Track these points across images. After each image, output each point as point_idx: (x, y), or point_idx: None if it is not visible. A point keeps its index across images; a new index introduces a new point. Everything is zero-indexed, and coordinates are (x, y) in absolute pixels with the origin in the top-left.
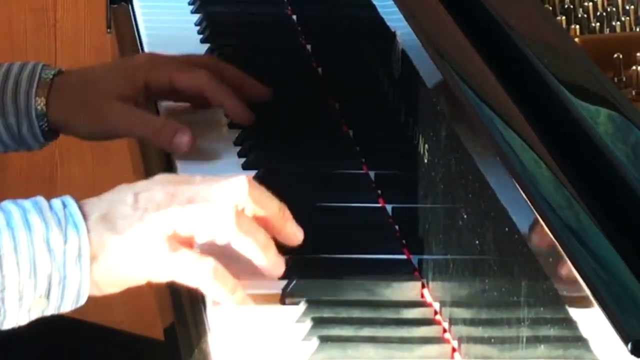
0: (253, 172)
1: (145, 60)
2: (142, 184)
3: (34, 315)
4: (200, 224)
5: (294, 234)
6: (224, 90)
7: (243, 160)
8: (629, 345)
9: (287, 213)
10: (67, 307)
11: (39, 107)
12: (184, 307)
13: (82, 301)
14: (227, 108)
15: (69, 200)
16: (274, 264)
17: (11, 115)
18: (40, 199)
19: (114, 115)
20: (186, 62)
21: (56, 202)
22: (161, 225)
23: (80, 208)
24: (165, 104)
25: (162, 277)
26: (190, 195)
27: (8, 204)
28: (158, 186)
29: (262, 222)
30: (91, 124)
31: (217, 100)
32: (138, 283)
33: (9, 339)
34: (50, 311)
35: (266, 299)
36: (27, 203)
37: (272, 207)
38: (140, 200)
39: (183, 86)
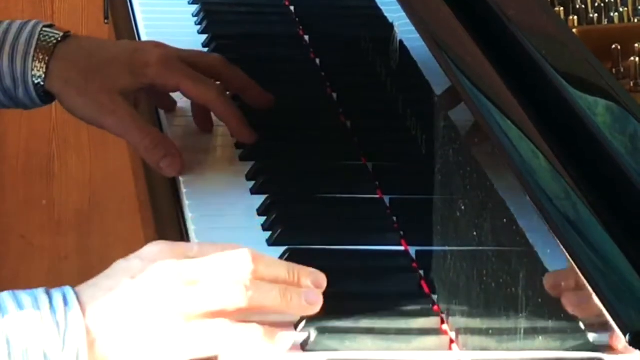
0: (251, 163)
1: (155, 60)
2: (138, 265)
3: None
4: (205, 308)
5: (312, 284)
6: (230, 109)
7: (240, 151)
8: (628, 337)
9: (298, 274)
10: None
11: (37, 74)
12: None
13: None
14: (231, 127)
15: (70, 296)
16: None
17: (7, 78)
18: (40, 295)
19: (112, 112)
20: (194, 63)
21: (57, 298)
22: (165, 311)
23: (79, 301)
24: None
25: (181, 356)
26: (193, 277)
27: (6, 298)
28: (158, 264)
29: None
30: (87, 109)
31: (222, 117)
32: None
33: None
34: None
35: None
36: (26, 299)
37: (282, 274)
38: (140, 280)
39: (190, 96)
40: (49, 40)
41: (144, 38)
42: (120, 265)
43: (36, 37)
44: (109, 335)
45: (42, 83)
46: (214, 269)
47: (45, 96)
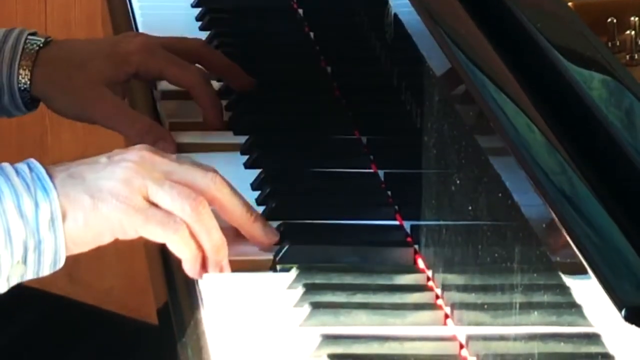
0: (245, 137)
1: (137, 48)
2: (118, 150)
3: (13, 282)
4: (163, 199)
5: (264, 236)
6: (209, 95)
7: (234, 125)
8: (623, 312)
9: (256, 214)
10: (45, 271)
11: (22, 80)
12: (176, 283)
13: (60, 264)
14: (206, 113)
15: (35, 164)
16: (222, 264)
17: None
18: (6, 166)
19: (99, 105)
20: (176, 49)
21: (22, 167)
22: (130, 178)
23: (47, 170)
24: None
25: (129, 233)
26: (165, 169)
27: None
28: (135, 150)
29: (228, 218)
30: (74, 106)
31: (201, 103)
32: (105, 242)
33: None
34: (29, 276)
35: (257, 265)
36: None
37: (239, 206)
38: (113, 159)
39: (172, 82)
40: (32, 47)
41: (137, 12)
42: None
43: (21, 44)
44: (77, 202)
45: (28, 89)
46: (185, 166)
47: (31, 103)
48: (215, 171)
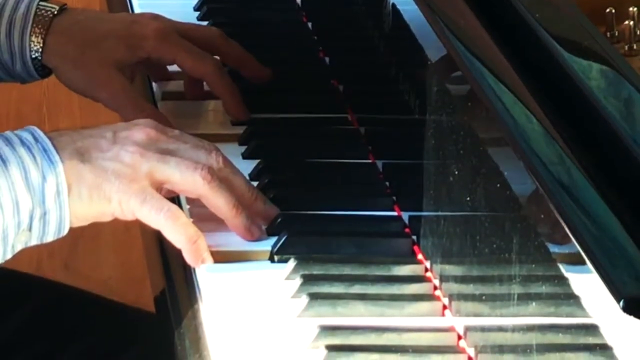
0: (243, 128)
1: (152, 34)
2: (123, 124)
3: (18, 248)
4: (172, 175)
5: (265, 212)
6: (226, 84)
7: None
8: (621, 303)
9: (257, 192)
10: (49, 239)
11: (35, 48)
12: (174, 274)
13: (64, 233)
14: (225, 103)
15: (39, 134)
16: (244, 226)
17: (5, 52)
18: (10, 135)
19: (108, 87)
20: (192, 36)
21: (26, 136)
22: (134, 163)
23: (52, 141)
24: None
25: (127, 215)
26: (170, 148)
27: None
28: (139, 128)
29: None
30: (82, 82)
31: (218, 92)
32: (105, 219)
33: None
34: (32, 243)
35: (255, 255)
36: None
37: (240, 183)
38: (119, 137)
39: (186, 70)
40: (45, 14)
41: (135, 3)
42: (106, 124)
43: (33, 11)
44: (82, 179)
45: (39, 57)
46: (189, 145)
47: (43, 70)
48: (217, 150)
